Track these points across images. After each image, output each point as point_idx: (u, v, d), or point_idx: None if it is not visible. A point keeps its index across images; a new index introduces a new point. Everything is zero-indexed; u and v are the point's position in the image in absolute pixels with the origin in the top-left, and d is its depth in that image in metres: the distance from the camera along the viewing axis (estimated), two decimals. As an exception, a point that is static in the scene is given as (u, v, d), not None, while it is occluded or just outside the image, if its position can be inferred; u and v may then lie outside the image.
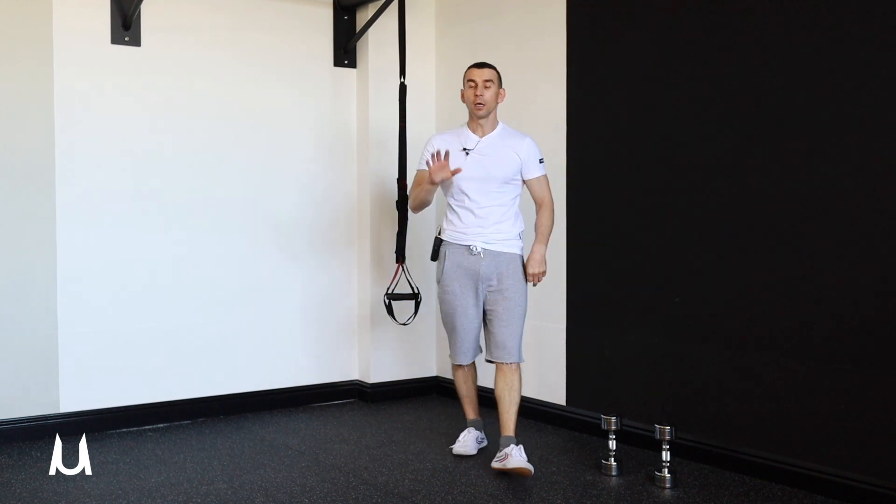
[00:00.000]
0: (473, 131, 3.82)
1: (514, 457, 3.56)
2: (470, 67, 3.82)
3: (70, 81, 4.25)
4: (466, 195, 3.75)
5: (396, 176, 4.74)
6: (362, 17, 5.02)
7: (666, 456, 3.48)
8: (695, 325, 3.75)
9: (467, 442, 3.91)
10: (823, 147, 3.29)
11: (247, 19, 4.75)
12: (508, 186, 3.78)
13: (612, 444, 3.63)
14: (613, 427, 3.63)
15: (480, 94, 3.73)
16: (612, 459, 3.63)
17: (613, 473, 3.61)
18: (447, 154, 3.66)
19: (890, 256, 3.10)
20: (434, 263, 3.98)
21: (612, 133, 4.11)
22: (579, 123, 4.28)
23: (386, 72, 5.00)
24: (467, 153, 3.77)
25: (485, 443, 4.01)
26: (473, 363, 4.00)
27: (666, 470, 3.46)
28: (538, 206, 3.87)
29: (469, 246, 3.75)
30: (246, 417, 4.67)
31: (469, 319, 3.82)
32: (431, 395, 5.24)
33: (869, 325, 3.17)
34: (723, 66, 3.62)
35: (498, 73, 3.81)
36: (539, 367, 4.47)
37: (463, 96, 3.84)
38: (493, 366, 3.85)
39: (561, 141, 4.32)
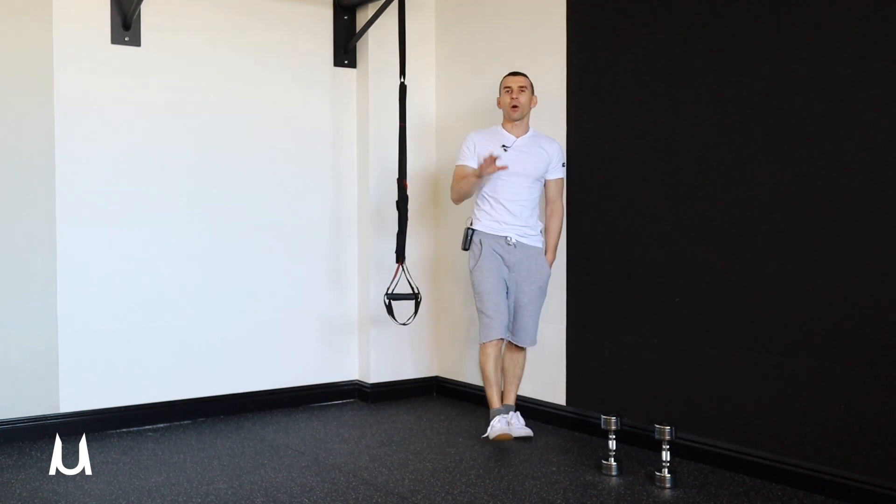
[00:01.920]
0: (509, 132, 4.19)
1: (515, 424, 4.14)
2: (506, 76, 4.22)
3: (70, 81, 4.25)
4: (501, 189, 4.11)
5: (396, 176, 4.74)
6: (362, 17, 5.02)
7: (666, 456, 3.47)
8: (695, 325, 3.75)
9: (503, 426, 4.05)
10: (824, 147, 3.29)
11: (247, 19, 4.75)
12: (537, 184, 4.17)
13: (612, 444, 3.63)
14: (613, 427, 3.63)
15: (516, 97, 4.12)
16: (612, 459, 3.63)
17: (613, 473, 3.61)
18: (493, 157, 4.01)
19: (890, 256, 3.10)
20: (465, 253, 4.29)
21: (612, 132, 4.11)
22: (579, 123, 4.28)
23: (386, 72, 5.00)
24: (506, 149, 4.13)
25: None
26: (501, 350, 4.21)
27: (666, 470, 3.46)
28: (550, 208, 4.24)
29: (506, 237, 4.12)
30: (246, 417, 4.67)
31: (502, 298, 4.15)
32: (431, 395, 5.24)
33: (869, 325, 3.17)
34: (723, 66, 3.62)
35: (530, 81, 4.20)
36: (539, 367, 4.47)
37: (499, 102, 4.23)
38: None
39: (561, 140, 4.32)
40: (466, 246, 4.21)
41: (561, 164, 4.20)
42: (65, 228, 4.25)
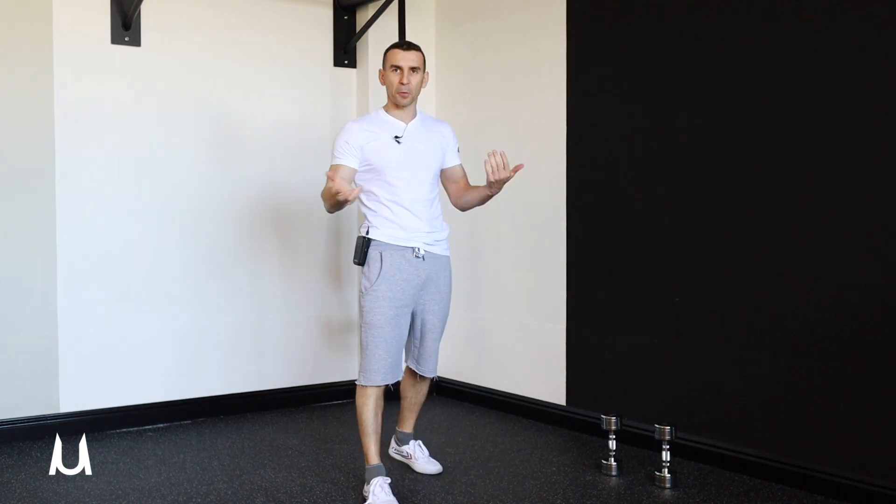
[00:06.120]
0: (398, 118, 3.41)
1: (420, 458, 3.68)
2: (393, 48, 3.40)
3: (70, 81, 4.25)
4: (398, 189, 3.34)
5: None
6: (362, 17, 5.02)
7: (666, 456, 3.48)
8: (695, 325, 3.75)
9: (388, 499, 3.26)
10: (824, 147, 3.29)
11: (247, 19, 4.75)
12: (435, 179, 3.48)
13: (612, 444, 3.63)
14: (613, 427, 3.63)
15: (406, 81, 3.33)
16: (612, 459, 3.63)
17: (613, 473, 3.61)
18: (335, 170, 3.23)
19: (890, 256, 3.10)
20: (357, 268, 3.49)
21: (613, 133, 4.11)
22: (579, 123, 4.28)
23: (386, 72, 5.00)
24: (398, 141, 3.36)
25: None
26: (383, 393, 3.42)
27: (666, 470, 3.46)
28: (464, 187, 3.55)
29: (414, 248, 3.35)
30: (246, 417, 4.67)
31: (401, 329, 3.38)
32: (431, 394, 5.24)
33: (869, 325, 3.17)
34: (723, 66, 3.62)
35: (423, 55, 3.43)
36: (539, 367, 4.47)
37: (382, 78, 3.42)
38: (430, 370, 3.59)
39: (561, 141, 4.32)
40: (361, 260, 3.37)
41: (457, 149, 3.55)
42: (65, 228, 4.25)
